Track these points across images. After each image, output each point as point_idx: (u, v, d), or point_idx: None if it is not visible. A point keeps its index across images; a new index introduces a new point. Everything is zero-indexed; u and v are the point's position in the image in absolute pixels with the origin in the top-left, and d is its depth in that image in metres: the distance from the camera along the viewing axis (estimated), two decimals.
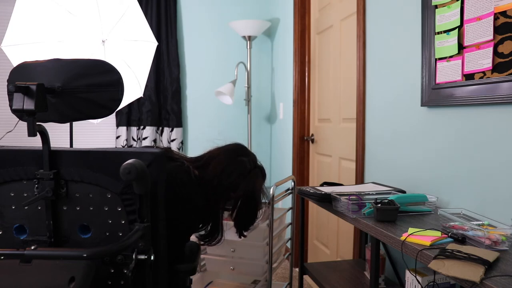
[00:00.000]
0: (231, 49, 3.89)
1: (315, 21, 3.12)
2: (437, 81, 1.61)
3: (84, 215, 1.09)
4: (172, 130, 3.74)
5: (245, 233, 1.59)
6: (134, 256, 1.03)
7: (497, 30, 1.32)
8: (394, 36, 1.95)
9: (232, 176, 1.44)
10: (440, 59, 1.59)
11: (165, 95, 3.74)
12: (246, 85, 3.61)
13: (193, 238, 1.51)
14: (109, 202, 1.08)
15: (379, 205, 1.41)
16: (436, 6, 1.61)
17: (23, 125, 1.03)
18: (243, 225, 1.55)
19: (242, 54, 3.87)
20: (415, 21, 1.77)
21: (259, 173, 1.54)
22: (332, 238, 2.79)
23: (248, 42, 3.58)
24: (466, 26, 1.45)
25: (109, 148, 1.10)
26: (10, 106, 0.99)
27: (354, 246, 2.35)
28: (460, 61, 1.49)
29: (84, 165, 1.08)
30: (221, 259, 1.98)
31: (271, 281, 1.92)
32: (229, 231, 1.67)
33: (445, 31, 1.56)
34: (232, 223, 1.73)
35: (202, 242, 1.53)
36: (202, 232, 1.52)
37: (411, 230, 1.24)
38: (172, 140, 3.73)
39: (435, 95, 1.63)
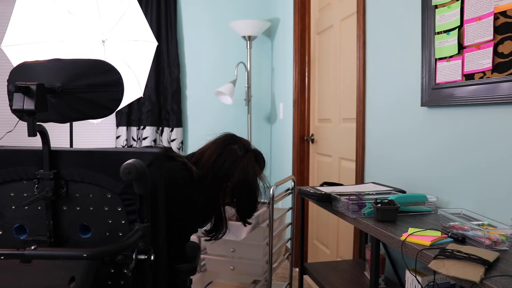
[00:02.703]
0: (231, 49, 3.89)
1: (315, 21, 3.12)
2: (437, 81, 1.61)
3: (84, 215, 1.09)
4: (172, 130, 3.74)
5: (249, 221, 1.58)
6: (134, 256, 1.03)
7: (497, 30, 1.32)
8: (394, 36, 1.95)
9: (225, 166, 1.43)
10: (440, 59, 1.59)
11: (165, 95, 3.74)
12: (246, 85, 3.61)
13: (195, 237, 1.51)
14: (109, 202, 1.08)
15: (379, 205, 1.41)
16: (436, 6, 1.61)
17: (23, 125, 1.03)
18: (245, 213, 1.54)
19: (242, 54, 3.87)
20: (415, 21, 1.77)
21: (252, 157, 1.51)
22: (332, 238, 2.80)
23: (248, 42, 3.58)
24: (466, 26, 1.45)
25: (109, 148, 1.10)
26: (10, 106, 0.99)
27: (354, 246, 2.35)
28: (460, 61, 1.49)
29: (84, 165, 1.08)
30: (221, 259, 1.98)
31: (271, 281, 1.92)
32: (229, 231, 1.67)
33: (445, 31, 1.56)
34: (232, 222, 1.74)
35: (208, 238, 1.53)
36: (207, 227, 1.52)
37: (411, 230, 1.24)
38: (172, 140, 3.73)
39: (435, 95, 1.63)
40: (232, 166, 1.44)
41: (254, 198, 1.50)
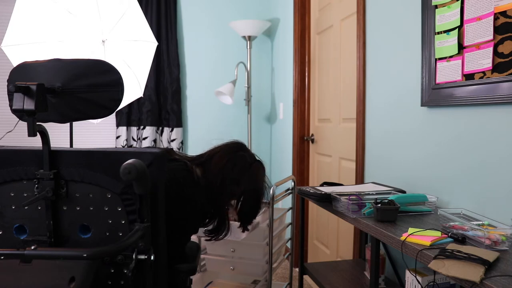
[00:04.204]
0: (231, 49, 3.89)
1: (315, 21, 3.12)
2: (437, 81, 1.61)
3: (84, 215, 1.09)
4: (172, 130, 3.74)
5: (248, 227, 1.60)
6: (134, 256, 1.03)
7: (497, 30, 1.32)
8: (394, 36, 1.95)
9: (234, 170, 1.46)
10: (440, 59, 1.59)
11: (165, 95, 3.74)
12: (246, 85, 3.61)
13: (195, 237, 1.51)
14: (109, 202, 1.08)
15: (379, 205, 1.41)
16: (436, 6, 1.61)
17: (23, 125, 1.03)
18: (248, 218, 1.56)
19: (242, 54, 3.87)
20: (415, 21, 1.77)
21: (260, 165, 1.55)
22: (332, 238, 2.79)
23: (248, 42, 3.58)
24: (466, 26, 1.45)
25: (109, 148, 1.10)
26: (10, 106, 0.99)
27: (354, 246, 2.35)
28: (460, 61, 1.49)
29: (84, 165, 1.08)
30: (221, 259, 1.98)
31: (271, 281, 1.92)
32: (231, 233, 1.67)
33: (445, 31, 1.56)
34: (232, 222, 1.74)
35: (209, 238, 1.53)
36: (209, 227, 1.53)
37: (411, 230, 1.24)
38: (172, 140, 3.73)
39: (435, 95, 1.63)
40: (241, 172, 1.47)
41: (258, 204, 1.54)
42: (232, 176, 1.45)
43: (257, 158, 1.57)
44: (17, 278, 0.95)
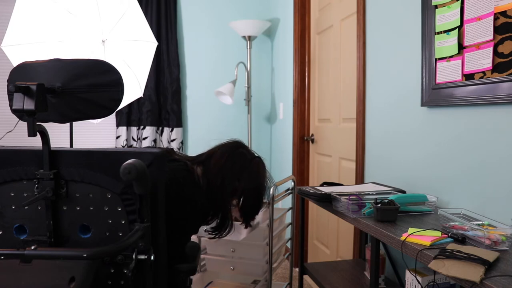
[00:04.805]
0: (231, 49, 3.89)
1: (315, 21, 3.12)
2: (437, 81, 1.61)
3: (84, 215, 1.09)
4: (172, 130, 3.74)
5: (251, 223, 1.60)
6: (134, 256, 1.03)
7: (497, 30, 1.32)
8: (394, 36, 1.95)
9: (234, 168, 1.45)
10: (440, 59, 1.59)
11: (165, 95, 3.74)
12: (246, 85, 3.61)
13: (195, 237, 1.51)
14: (109, 202, 1.08)
15: (379, 205, 1.41)
16: (436, 6, 1.61)
17: (23, 125, 1.03)
18: (250, 214, 1.56)
19: (242, 54, 3.87)
20: (415, 21, 1.77)
21: (260, 161, 1.55)
22: (332, 238, 2.80)
23: (248, 42, 3.58)
24: (466, 26, 1.45)
25: (109, 148, 1.10)
26: (10, 106, 0.99)
27: (354, 246, 2.35)
28: (460, 61, 1.49)
29: (84, 165, 1.08)
30: (221, 259, 1.98)
31: (271, 281, 1.92)
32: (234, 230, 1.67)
33: (445, 31, 1.56)
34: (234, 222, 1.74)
35: (212, 235, 1.54)
36: (213, 225, 1.53)
37: (411, 230, 1.24)
38: (172, 140, 3.73)
39: (435, 95, 1.63)
40: (242, 168, 1.47)
41: (260, 200, 1.54)
42: (232, 174, 1.45)
43: (257, 155, 1.57)
44: (17, 278, 0.95)
